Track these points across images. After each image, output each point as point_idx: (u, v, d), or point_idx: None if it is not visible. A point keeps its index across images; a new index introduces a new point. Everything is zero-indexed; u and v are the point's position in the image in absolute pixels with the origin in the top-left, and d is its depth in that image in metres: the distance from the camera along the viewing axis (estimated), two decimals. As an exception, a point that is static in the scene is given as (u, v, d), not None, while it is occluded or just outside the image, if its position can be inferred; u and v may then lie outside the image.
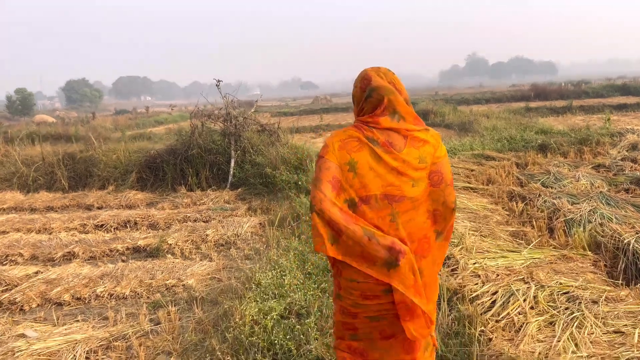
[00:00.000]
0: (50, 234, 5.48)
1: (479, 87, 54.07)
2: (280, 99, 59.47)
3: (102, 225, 5.67)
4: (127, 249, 4.78)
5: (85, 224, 5.69)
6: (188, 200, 6.47)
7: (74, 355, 2.75)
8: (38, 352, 2.81)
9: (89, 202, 6.83)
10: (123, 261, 4.48)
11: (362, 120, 1.58)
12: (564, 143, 8.07)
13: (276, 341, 2.49)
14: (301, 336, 2.53)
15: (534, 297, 2.64)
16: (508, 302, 2.61)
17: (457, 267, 3.11)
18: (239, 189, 6.83)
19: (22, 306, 3.63)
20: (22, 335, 3.05)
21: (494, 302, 2.65)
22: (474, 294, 2.72)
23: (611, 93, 24.10)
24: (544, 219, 4.40)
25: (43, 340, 2.94)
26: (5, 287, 3.92)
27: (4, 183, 8.05)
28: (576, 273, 3.04)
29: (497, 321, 2.48)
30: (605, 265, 3.32)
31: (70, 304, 3.64)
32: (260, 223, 5.26)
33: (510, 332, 2.41)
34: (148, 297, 3.61)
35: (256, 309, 2.77)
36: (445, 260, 3.24)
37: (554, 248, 3.67)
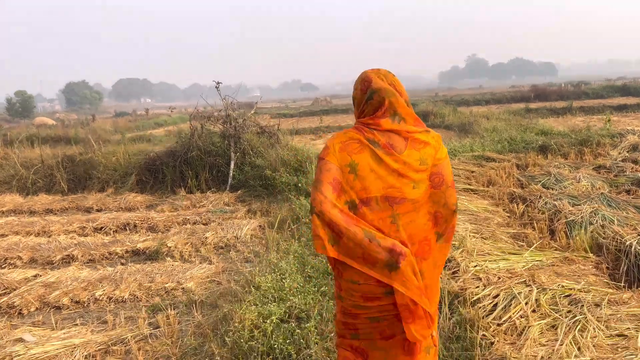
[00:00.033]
0: (49, 236, 5.46)
1: (479, 88, 54.09)
2: (280, 101, 59.51)
3: (101, 228, 5.65)
4: (127, 252, 4.76)
5: (84, 227, 5.67)
6: (187, 203, 6.45)
7: (72, 360, 2.72)
8: (36, 357, 2.79)
9: (89, 204, 6.81)
10: (122, 264, 4.46)
11: (362, 122, 1.58)
12: (565, 144, 8.06)
13: (276, 346, 2.46)
14: (301, 340, 2.51)
15: (536, 300, 2.61)
16: (510, 305, 2.58)
17: (458, 270, 3.09)
18: (239, 191, 6.81)
19: (20, 310, 3.60)
20: (20, 340, 3.03)
21: (495, 306, 2.62)
22: (475, 297, 2.69)
23: (611, 94, 24.10)
24: (545, 220, 4.38)
25: (41, 344, 2.92)
26: (4, 291, 3.90)
27: (3, 186, 8.04)
28: (578, 275, 3.02)
29: (498, 325, 2.46)
30: (607, 268, 3.30)
31: (69, 308, 3.61)
32: (260, 225, 5.24)
33: (512, 335, 2.39)
34: (147, 301, 3.59)
35: (256, 313, 2.75)
36: (446, 263, 3.21)
37: (555, 250, 3.65)
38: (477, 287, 2.81)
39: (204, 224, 5.49)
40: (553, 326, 2.44)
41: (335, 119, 20.41)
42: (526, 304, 2.57)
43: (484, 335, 2.36)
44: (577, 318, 2.45)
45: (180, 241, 4.75)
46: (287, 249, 4.06)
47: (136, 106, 59.27)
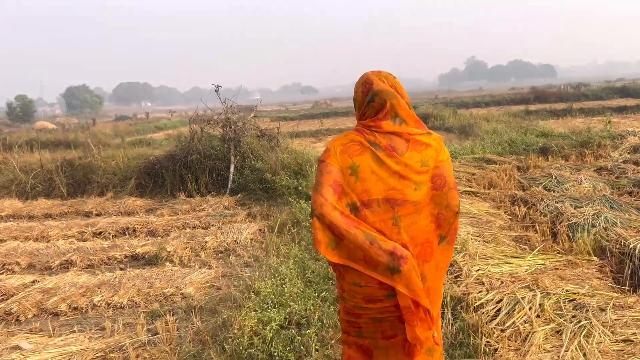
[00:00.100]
0: (48, 242, 5.42)
1: (479, 91, 54.13)
2: (280, 104, 59.55)
3: (100, 232, 5.61)
4: (125, 256, 4.72)
5: (83, 232, 5.63)
6: (187, 207, 6.41)
7: (69, 368, 2.68)
8: (32, 365, 2.75)
9: (88, 209, 6.78)
10: (121, 269, 4.42)
11: (364, 124, 1.58)
12: (565, 146, 8.03)
13: (275, 353, 2.42)
14: (301, 347, 2.47)
15: (540, 305, 2.57)
16: (513, 311, 2.54)
17: (460, 274, 3.05)
18: (239, 195, 6.78)
19: (17, 317, 3.56)
20: (17, 347, 2.99)
21: (498, 311, 2.58)
22: (478, 302, 2.65)
23: (610, 95, 24.11)
24: (547, 223, 4.35)
25: (38, 352, 2.88)
26: (1, 297, 3.86)
27: (2, 190, 8.01)
28: (582, 279, 2.98)
29: (502, 330, 2.42)
30: (611, 271, 3.26)
31: (66, 314, 3.57)
32: (260, 229, 5.20)
33: (516, 341, 2.35)
34: (146, 307, 3.55)
35: (255, 319, 2.71)
36: (447, 269, 3.18)
37: (558, 253, 3.61)
38: (480, 291, 2.77)
39: (203, 228, 5.46)
40: (558, 331, 2.40)
41: (336, 122, 20.40)
42: (530, 309, 2.53)
43: (487, 341, 2.32)
44: (582, 323, 2.41)
45: (179, 246, 4.71)
46: (287, 253, 4.03)
47: (136, 110, 59.37)
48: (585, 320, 2.44)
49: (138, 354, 2.80)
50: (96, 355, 2.83)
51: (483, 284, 2.88)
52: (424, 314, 1.47)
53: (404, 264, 1.42)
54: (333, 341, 2.53)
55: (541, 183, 5.94)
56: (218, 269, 4.14)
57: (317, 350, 2.44)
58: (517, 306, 2.57)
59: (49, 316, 3.55)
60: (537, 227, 4.25)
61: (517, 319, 2.47)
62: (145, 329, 3.12)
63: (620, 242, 3.51)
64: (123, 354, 2.83)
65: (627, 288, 3.02)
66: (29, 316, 3.57)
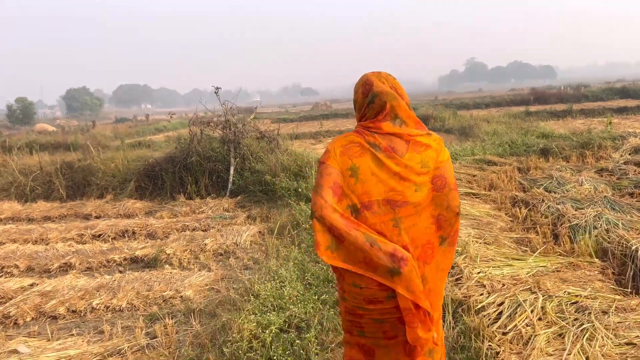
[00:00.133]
0: (47, 244, 5.40)
1: (478, 92, 54.13)
2: (280, 105, 59.60)
3: (99, 235, 5.59)
4: (125, 259, 4.70)
5: (82, 234, 5.61)
6: (187, 209, 6.39)
7: (67, 372, 2.66)
8: (30, 369, 2.72)
9: (87, 211, 6.76)
10: (120, 272, 4.40)
11: (363, 126, 1.58)
12: (566, 147, 8.01)
13: (275, 357, 2.40)
14: (301, 351, 2.44)
15: (542, 307, 2.55)
16: (515, 314, 2.52)
17: (461, 277, 3.03)
18: (239, 197, 6.76)
19: (16, 320, 3.54)
20: (15, 351, 2.97)
21: (500, 314, 2.56)
22: (480, 305, 2.63)
23: (611, 96, 24.10)
24: (548, 224, 4.32)
25: (36, 356, 2.86)
26: (0, 300, 3.84)
27: (2, 193, 7.99)
28: (584, 281, 2.96)
29: (504, 334, 2.40)
30: (613, 273, 3.24)
31: (65, 318, 3.55)
32: (259, 231, 5.18)
33: (518, 345, 2.32)
34: (145, 310, 3.53)
35: (254, 323, 2.69)
36: (449, 271, 3.16)
37: (559, 255, 3.59)
38: (481, 294, 2.75)
39: (203, 230, 5.44)
40: (560, 335, 2.37)
41: (336, 124, 20.40)
42: (532, 311, 2.50)
43: (489, 345, 2.30)
44: (584, 326, 2.38)
45: (179, 248, 4.69)
46: (287, 256, 4.01)
47: (137, 112, 59.40)
48: (588, 323, 2.41)
49: (137, 357, 2.78)
50: (95, 358, 2.81)
51: (484, 286, 2.85)
52: (424, 315, 1.47)
53: (405, 265, 1.42)
54: (333, 345, 2.51)
55: (542, 184, 5.92)
56: (217, 272, 4.11)
57: (317, 354, 2.42)
58: (518, 309, 2.54)
59: (48, 319, 3.53)
60: (539, 229, 4.22)
61: (518, 322, 2.45)
62: (144, 332, 3.10)
63: (622, 243, 3.48)
64: (121, 357, 2.81)
65: (629, 290, 3.00)
66: (27, 319, 3.55)
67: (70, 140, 15.07)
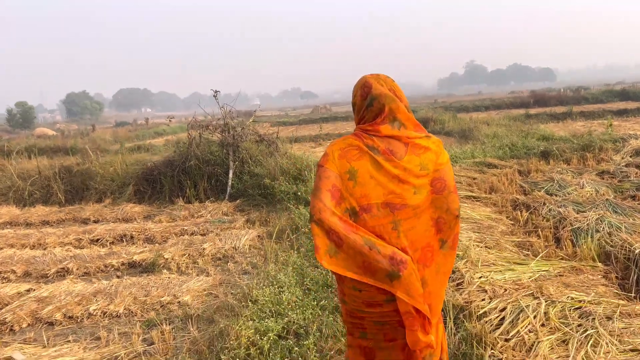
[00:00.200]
0: (44, 249, 5.36)
1: (478, 94, 54.19)
2: (280, 109, 59.70)
3: (97, 239, 5.55)
4: (123, 264, 4.65)
5: (80, 239, 5.57)
6: (186, 213, 6.36)
7: (62, 380, 2.62)
8: (24, 377, 2.68)
9: (85, 215, 6.72)
10: (118, 277, 4.36)
11: (362, 129, 1.57)
12: (567, 149, 7.98)
13: (273, 364, 2.36)
14: (299, 359, 2.40)
15: (545, 313, 2.50)
16: (517, 319, 2.47)
17: (462, 282, 2.99)
18: (238, 201, 6.72)
19: (12, 326, 3.49)
20: (10, 359, 2.92)
21: (502, 320, 2.51)
22: (481, 311, 2.58)
23: (610, 98, 24.12)
24: (550, 228, 4.28)
25: (30, 363, 2.81)
26: (-5, 307, 3.80)
27: (0, 197, 7.95)
28: (587, 286, 2.91)
29: (506, 340, 2.35)
30: (616, 277, 3.20)
31: (61, 324, 3.51)
32: (258, 235, 5.14)
33: (521, 352, 2.28)
34: (142, 316, 3.48)
35: (252, 329, 2.64)
36: (450, 275, 3.11)
37: (561, 259, 3.54)
38: (483, 299, 2.71)
39: (201, 235, 5.40)
40: (564, 341, 2.33)
41: (335, 127, 20.39)
42: (535, 317, 2.46)
43: (491, 352, 2.25)
44: (588, 332, 2.34)
45: (177, 252, 4.65)
46: (286, 260, 3.96)
47: (136, 116, 59.49)
48: (592, 329, 2.37)
49: (133, 365, 2.73)
50: (90, 366, 2.76)
51: (486, 291, 2.81)
52: (424, 319, 1.47)
53: (404, 269, 1.42)
54: (332, 352, 2.46)
55: (543, 187, 5.88)
56: (216, 277, 4.07)
57: (316, 362, 2.38)
58: (521, 315, 2.50)
59: (44, 326, 3.48)
60: (540, 232, 4.18)
61: (521, 328, 2.40)
62: (141, 338, 3.06)
63: (626, 247, 3.44)
64: (118, 365, 2.76)
65: (633, 295, 2.95)
66: (24, 326, 3.51)
67: (69, 145, 15.05)
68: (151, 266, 4.47)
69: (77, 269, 4.56)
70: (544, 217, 4.59)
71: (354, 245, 1.41)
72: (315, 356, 2.41)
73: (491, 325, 2.47)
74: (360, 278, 1.43)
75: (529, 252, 3.73)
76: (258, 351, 2.49)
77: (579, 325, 2.42)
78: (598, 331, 2.34)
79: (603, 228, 3.96)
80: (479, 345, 2.31)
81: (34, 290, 4.10)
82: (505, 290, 2.81)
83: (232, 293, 3.56)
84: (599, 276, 3.15)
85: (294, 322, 2.76)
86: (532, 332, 2.39)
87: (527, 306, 2.55)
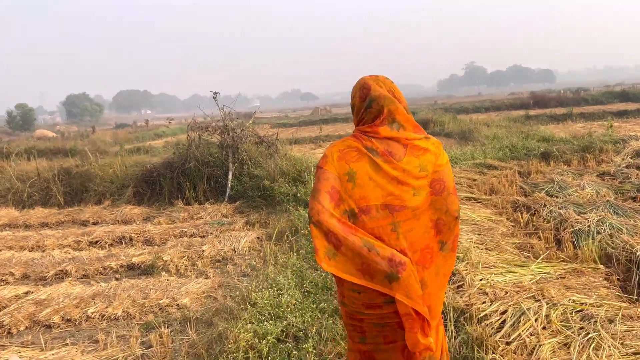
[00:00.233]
0: (43, 251, 5.34)
1: (478, 96, 54.24)
2: (280, 110, 59.74)
3: (96, 241, 5.53)
4: (121, 266, 4.63)
5: (79, 241, 5.55)
6: (185, 215, 6.34)
7: (59, 384, 2.59)
8: (21, 381, 2.66)
9: (85, 217, 6.70)
10: (116, 279, 4.34)
11: (361, 130, 1.57)
12: (567, 151, 7.96)
13: (272, 368, 2.33)
14: (299, 362, 2.38)
15: (546, 316, 2.48)
16: (519, 322, 2.45)
17: (463, 284, 2.96)
18: (237, 202, 6.70)
19: (9, 329, 3.47)
20: (7, 362, 2.90)
21: (503, 322, 2.49)
22: (482, 314, 2.56)
23: (610, 100, 24.10)
24: (551, 230, 4.26)
25: (28, 367, 2.79)
26: (-6, 309, 3.77)
27: (-1, 199, 7.94)
28: (588, 288, 2.89)
29: (507, 343, 2.33)
30: (618, 279, 3.18)
31: (59, 326, 3.48)
32: (258, 237, 5.12)
33: (522, 355, 2.25)
34: (140, 318, 3.46)
35: (251, 333, 2.62)
36: (450, 277, 3.09)
37: (562, 261, 3.52)
38: (484, 302, 2.69)
39: (201, 237, 5.38)
40: (565, 344, 2.30)
41: (335, 128, 20.37)
42: (536, 320, 2.44)
43: (493, 356, 2.23)
44: (590, 335, 2.31)
45: (176, 255, 4.63)
46: (285, 262, 3.94)
47: (136, 117, 59.50)
48: (594, 332, 2.34)
49: (131, 368, 2.71)
50: (88, 370, 2.74)
51: (487, 294, 2.79)
52: (423, 321, 1.46)
53: (403, 270, 1.41)
54: (331, 355, 2.44)
55: (543, 189, 5.86)
56: (215, 279, 4.05)
57: (316, 365, 2.35)
58: (522, 317, 2.48)
59: (42, 329, 3.46)
60: (541, 234, 4.16)
61: (522, 331, 2.38)
62: (139, 341, 3.04)
63: (627, 249, 3.42)
64: (115, 368, 2.74)
65: (635, 297, 2.93)
66: (21, 329, 3.48)
67: (69, 146, 15.04)
68: (150, 268, 4.45)
69: (76, 272, 4.54)
70: (545, 219, 4.57)
71: (352, 246, 1.41)
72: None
73: (492, 328, 2.45)
74: (359, 281, 1.43)
75: (530, 254, 3.71)
76: (257, 355, 2.47)
77: (581, 328, 2.40)
78: (600, 334, 2.32)
79: (604, 230, 3.94)
80: (479, 348, 2.29)
81: (32, 292, 4.08)
82: (506, 292, 2.79)
83: (231, 296, 3.54)
84: (601, 278, 3.13)
85: (293, 325, 2.73)
86: (533, 335, 2.37)
87: (529, 309, 2.53)
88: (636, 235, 3.73)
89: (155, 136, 23.39)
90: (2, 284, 4.42)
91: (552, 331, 2.39)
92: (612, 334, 2.33)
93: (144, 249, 5.09)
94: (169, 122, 10.68)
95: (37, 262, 4.83)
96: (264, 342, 2.52)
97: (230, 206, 6.57)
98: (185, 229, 5.62)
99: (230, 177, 7.10)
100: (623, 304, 2.70)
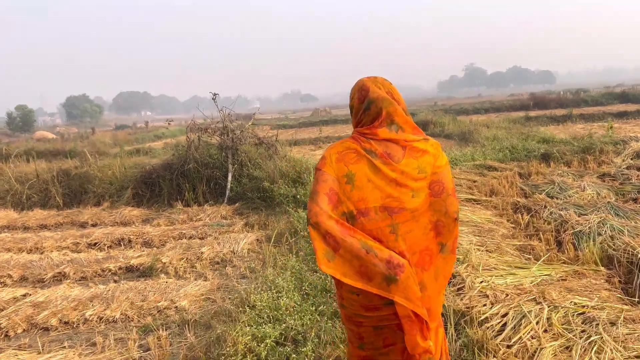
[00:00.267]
0: (41, 253, 5.32)
1: (478, 97, 54.22)
2: (280, 112, 59.75)
3: (95, 243, 5.51)
4: (120, 268, 4.61)
5: (78, 243, 5.53)
6: (184, 216, 6.32)
7: (56, 388, 2.57)
8: (18, 384, 2.63)
9: (84, 219, 6.68)
10: (115, 282, 4.31)
11: (360, 132, 1.57)
12: (567, 152, 7.94)
13: (271, 372, 2.31)
14: (298, 366, 2.35)
15: (547, 319, 2.46)
16: (520, 325, 2.43)
17: (463, 286, 2.94)
18: (237, 204, 6.68)
19: (7, 332, 3.45)
20: (3, 365, 2.88)
21: (504, 325, 2.47)
22: (483, 317, 2.54)
23: (610, 101, 24.10)
24: (552, 231, 4.24)
25: (24, 370, 2.77)
26: (-9, 312, 3.75)
27: (-2, 201, 7.92)
28: (590, 291, 2.87)
29: (508, 347, 2.30)
30: (619, 282, 3.15)
31: (57, 329, 3.46)
32: (257, 239, 5.10)
33: (523, 358, 2.23)
34: (138, 321, 3.44)
35: (250, 335, 2.60)
36: (450, 279, 3.06)
37: (563, 263, 3.50)
38: (484, 305, 2.66)
39: (200, 238, 5.35)
40: (567, 347, 2.28)
41: (335, 129, 20.35)
42: (537, 323, 2.41)
43: (493, 359, 2.21)
44: (592, 338, 2.29)
45: (175, 257, 4.61)
46: (285, 264, 3.92)
47: (136, 119, 59.50)
48: (596, 335, 2.32)
49: (128, 372, 2.68)
50: (85, 373, 2.72)
51: (487, 296, 2.76)
52: (422, 323, 1.46)
53: (401, 272, 1.41)
54: (331, 359, 2.42)
55: (544, 190, 5.84)
56: (214, 281, 4.03)
57: (315, 369, 2.33)
58: (523, 320, 2.45)
59: (39, 331, 3.44)
60: (541, 236, 4.14)
61: (523, 334, 2.36)
62: (137, 344, 3.01)
63: (628, 251, 3.40)
64: (113, 372, 2.72)
65: (637, 300, 2.90)
66: (19, 331, 3.46)
67: (68, 148, 15.02)
68: (149, 270, 4.42)
69: (74, 274, 4.51)
70: (545, 220, 4.55)
71: (350, 249, 1.40)
72: (313, 363, 2.37)
73: (493, 332, 2.42)
74: (357, 285, 1.42)
75: (531, 256, 3.69)
76: (255, 358, 2.45)
77: (583, 331, 2.37)
78: (602, 337, 2.30)
79: (605, 231, 3.91)
80: (480, 352, 2.27)
81: (30, 295, 4.06)
82: (507, 295, 2.77)
83: (229, 298, 3.52)
84: (602, 280, 3.10)
85: (292, 328, 2.71)
86: (534, 338, 2.34)
87: (530, 312, 2.51)
88: (637, 237, 3.70)
89: (155, 137, 23.39)
90: (0, 286, 4.40)
91: (554, 334, 2.36)
92: (614, 337, 2.30)
93: (143, 251, 5.07)
94: (169, 124, 10.66)
95: (36, 264, 4.80)
96: (262, 345, 2.50)
97: (230, 208, 6.55)
98: (184, 231, 5.60)
99: (229, 178, 7.09)
100: (625, 307, 2.68)
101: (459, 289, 2.92)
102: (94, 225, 6.46)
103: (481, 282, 2.95)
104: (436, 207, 1.53)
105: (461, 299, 2.76)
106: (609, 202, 4.84)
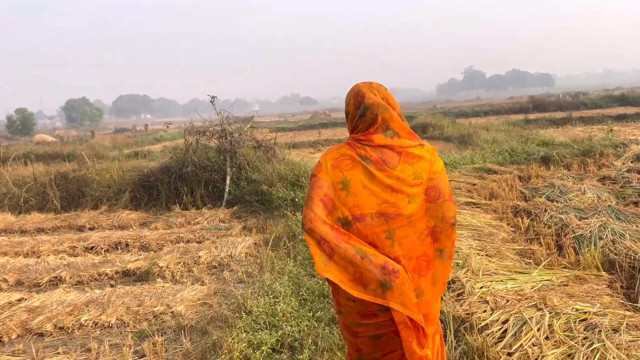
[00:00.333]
0: (38, 257, 5.27)
1: (477, 100, 54.26)
2: (279, 115, 59.80)
3: (92, 247, 5.46)
4: (117, 272, 4.57)
5: (74, 247, 5.48)
6: (182, 220, 6.28)
7: (49, 396, 2.52)
8: (10, 392, 2.58)
9: (81, 223, 6.64)
10: (111, 286, 4.27)
11: (355, 138, 1.56)
12: (567, 155, 7.91)
13: (267, 380, 2.27)
14: (294, 373, 2.31)
15: (549, 325, 2.41)
16: (521, 332, 2.38)
17: (463, 292, 2.90)
18: (235, 207, 6.64)
19: (1, 338, 3.40)
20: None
21: (505, 332, 2.42)
22: (483, 323, 2.50)
23: (609, 104, 24.13)
24: (552, 235, 4.20)
25: (17, 378, 2.72)
26: (-15, 317, 3.70)
27: (-5, 204, 7.87)
28: (592, 296, 2.83)
29: (509, 354, 2.26)
30: (621, 287, 3.11)
31: (52, 335, 3.41)
32: (255, 243, 5.06)
33: (524, 366, 2.19)
34: (134, 326, 3.39)
35: (246, 342, 2.55)
36: (450, 284, 3.02)
37: (564, 268, 3.46)
38: (485, 311, 2.62)
39: (197, 242, 5.31)
40: (569, 355, 2.23)
41: (334, 132, 20.34)
42: (538, 330, 2.37)
43: (494, 367, 2.16)
44: (595, 346, 2.25)
45: (172, 261, 4.56)
46: (282, 269, 3.88)
47: (136, 122, 59.48)
48: (598, 342, 2.28)
49: (122, 379, 2.64)
50: (78, 381, 2.67)
51: (487, 302, 2.72)
52: (418, 329, 1.44)
53: (395, 278, 1.40)
54: (328, 366, 2.37)
55: (544, 193, 5.80)
56: (211, 286, 3.98)
57: (312, 376, 2.29)
58: (524, 327, 2.41)
59: (34, 337, 3.39)
60: (542, 240, 4.10)
61: (524, 341, 2.32)
62: (132, 350, 2.97)
63: (630, 255, 3.36)
64: (107, 379, 2.67)
65: (639, 305, 2.86)
66: (13, 337, 3.41)
67: (66, 151, 14.98)
68: (145, 275, 4.38)
69: (70, 278, 4.47)
70: (546, 224, 4.51)
71: (345, 255, 1.40)
72: (310, 371, 2.32)
73: (493, 338, 2.38)
74: (353, 293, 1.41)
75: (531, 261, 3.65)
76: (251, 366, 2.40)
77: (585, 338, 2.33)
78: (605, 344, 2.25)
79: (606, 235, 3.88)
80: (480, 359, 2.22)
81: (26, 299, 4.01)
82: (508, 301, 2.72)
83: (226, 303, 3.47)
84: (604, 286, 3.06)
85: (288, 334, 2.67)
86: (536, 345, 2.30)
87: (531, 318, 2.46)
88: (639, 241, 3.66)
89: (154, 141, 23.35)
90: (-5, 290, 4.35)
91: (555, 341, 2.32)
92: (617, 344, 2.26)
93: (140, 255, 5.02)
94: (167, 127, 10.64)
95: (32, 268, 4.76)
96: (258, 352, 2.46)
97: (228, 211, 6.51)
98: (182, 234, 5.56)
99: (227, 181, 7.05)
100: (627, 313, 2.64)
101: (458, 295, 2.88)
102: (91, 229, 6.42)
103: (481, 287, 2.91)
104: (433, 212, 1.53)
105: (461, 305, 2.72)
106: (609, 205, 4.80)
